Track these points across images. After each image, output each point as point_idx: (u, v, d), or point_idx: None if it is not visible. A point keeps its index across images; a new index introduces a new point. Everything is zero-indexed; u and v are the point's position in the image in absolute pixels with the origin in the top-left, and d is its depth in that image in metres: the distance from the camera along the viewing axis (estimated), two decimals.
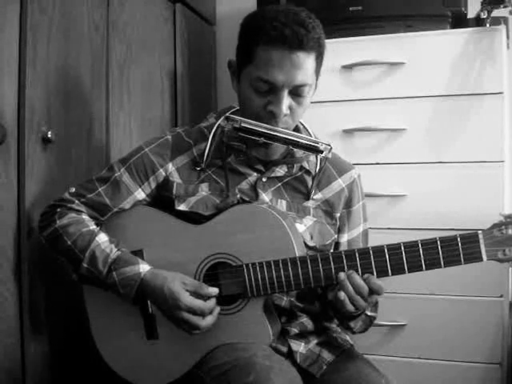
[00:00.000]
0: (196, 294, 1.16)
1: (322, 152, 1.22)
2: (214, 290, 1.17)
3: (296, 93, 1.18)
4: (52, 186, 1.38)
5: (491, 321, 1.66)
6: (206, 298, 1.16)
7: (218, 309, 1.18)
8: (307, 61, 1.15)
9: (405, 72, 1.72)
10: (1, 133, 1.22)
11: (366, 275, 1.12)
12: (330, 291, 1.25)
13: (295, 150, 1.29)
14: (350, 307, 1.13)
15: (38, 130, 1.33)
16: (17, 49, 1.28)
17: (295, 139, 1.20)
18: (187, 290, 1.16)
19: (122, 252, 1.21)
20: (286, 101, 1.17)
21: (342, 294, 1.12)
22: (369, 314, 1.27)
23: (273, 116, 1.19)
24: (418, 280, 1.68)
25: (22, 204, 1.30)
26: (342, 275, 1.12)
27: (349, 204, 1.33)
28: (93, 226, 1.25)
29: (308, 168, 1.31)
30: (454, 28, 1.74)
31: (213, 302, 1.17)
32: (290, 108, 1.19)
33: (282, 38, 1.12)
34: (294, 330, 1.27)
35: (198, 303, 1.15)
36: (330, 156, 1.23)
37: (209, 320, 1.16)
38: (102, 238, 1.23)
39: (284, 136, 1.20)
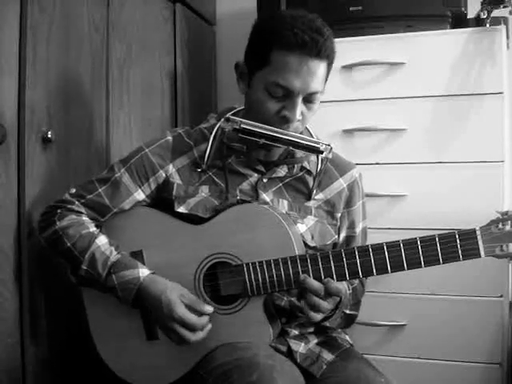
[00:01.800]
0: (191, 309, 1.16)
1: (322, 152, 1.22)
2: (209, 309, 1.17)
3: (308, 99, 1.19)
4: (52, 186, 1.38)
5: (491, 321, 1.66)
6: (200, 314, 1.16)
7: (209, 326, 1.17)
8: (321, 68, 1.17)
9: (405, 72, 1.72)
10: (1, 133, 1.22)
11: (325, 279, 1.13)
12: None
13: (296, 150, 1.29)
14: (316, 316, 1.14)
15: (38, 130, 1.33)
16: (17, 49, 1.28)
17: (295, 140, 1.20)
18: (183, 302, 1.16)
19: (122, 255, 1.21)
20: (300, 107, 1.18)
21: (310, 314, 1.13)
22: (348, 312, 1.28)
23: (286, 121, 1.19)
24: (418, 280, 1.68)
25: (22, 204, 1.30)
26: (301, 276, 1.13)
27: (349, 203, 1.34)
28: (93, 228, 1.25)
29: (309, 168, 1.31)
30: (454, 28, 1.74)
31: (206, 319, 1.17)
32: (302, 113, 1.20)
33: (302, 45, 1.13)
34: (294, 331, 1.27)
35: (191, 317, 1.15)
36: (330, 156, 1.23)
37: (199, 335, 1.16)
38: (102, 240, 1.23)
39: (284, 137, 1.20)
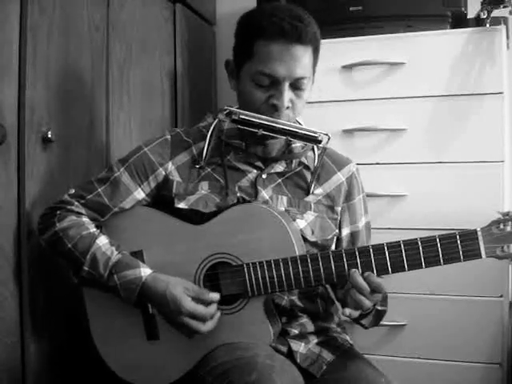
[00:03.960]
0: (198, 300, 1.16)
1: (320, 142, 1.23)
2: (216, 296, 1.17)
3: (296, 86, 1.20)
4: (52, 186, 1.38)
5: (491, 321, 1.66)
6: (207, 303, 1.16)
7: (218, 314, 1.18)
8: (305, 54, 1.19)
9: (405, 72, 1.72)
10: (1, 133, 1.22)
11: (366, 273, 1.12)
12: (339, 289, 1.25)
13: (293, 145, 1.30)
14: (355, 313, 1.14)
15: (37, 129, 1.33)
16: (17, 49, 1.28)
17: (293, 129, 1.21)
18: (189, 296, 1.16)
19: (123, 255, 1.21)
20: (287, 94, 1.20)
21: (346, 311, 1.13)
22: (379, 308, 1.27)
23: (275, 109, 1.21)
24: (418, 280, 1.68)
25: (22, 204, 1.30)
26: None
27: (349, 197, 1.35)
28: (93, 229, 1.25)
29: (307, 163, 1.31)
30: (453, 28, 1.74)
31: (214, 307, 1.17)
32: (291, 101, 1.22)
33: (282, 32, 1.15)
34: (294, 331, 1.27)
35: (199, 309, 1.15)
36: (328, 146, 1.24)
37: (209, 325, 1.16)
38: (103, 240, 1.23)
39: (282, 127, 1.21)
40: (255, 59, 1.19)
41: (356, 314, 1.15)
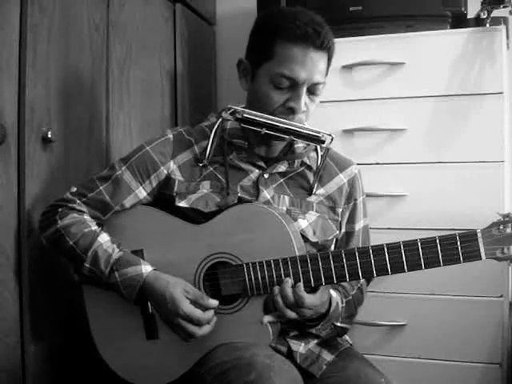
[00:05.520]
0: (196, 304, 1.16)
1: (323, 142, 1.23)
2: (215, 303, 1.17)
3: (311, 91, 1.22)
4: (52, 185, 1.38)
5: (491, 321, 1.66)
6: (205, 308, 1.16)
7: (215, 319, 1.18)
8: (323, 60, 1.21)
9: (405, 72, 1.72)
10: (1, 133, 1.22)
11: (296, 285, 1.13)
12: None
13: (295, 146, 1.30)
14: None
15: (38, 130, 1.33)
16: (17, 49, 1.28)
17: (297, 129, 1.22)
18: (188, 298, 1.16)
19: (124, 252, 1.22)
20: (304, 97, 1.21)
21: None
22: (338, 325, 1.27)
23: (292, 112, 1.22)
24: (418, 280, 1.68)
25: (22, 204, 1.30)
26: (276, 289, 1.14)
27: (350, 199, 1.35)
28: (95, 227, 1.25)
29: (309, 163, 1.32)
30: (453, 28, 1.74)
31: (211, 313, 1.17)
32: (306, 105, 1.23)
33: (305, 37, 1.17)
34: (294, 331, 1.27)
35: (196, 313, 1.15)
36: (331, 146, 1.24)
37: (205, 329, 1.17)
38: (104, 238, 1.23)
39: (286, 126, 1.21)
40: (275, 60, 1.19)
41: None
